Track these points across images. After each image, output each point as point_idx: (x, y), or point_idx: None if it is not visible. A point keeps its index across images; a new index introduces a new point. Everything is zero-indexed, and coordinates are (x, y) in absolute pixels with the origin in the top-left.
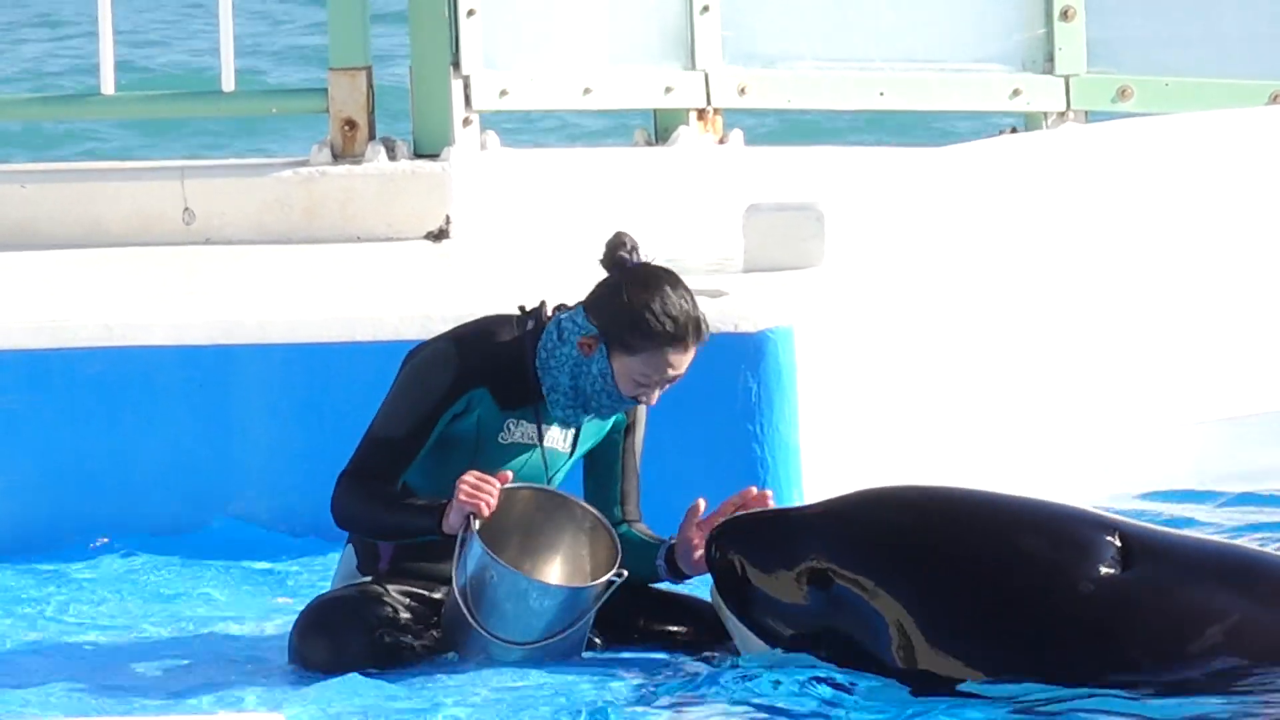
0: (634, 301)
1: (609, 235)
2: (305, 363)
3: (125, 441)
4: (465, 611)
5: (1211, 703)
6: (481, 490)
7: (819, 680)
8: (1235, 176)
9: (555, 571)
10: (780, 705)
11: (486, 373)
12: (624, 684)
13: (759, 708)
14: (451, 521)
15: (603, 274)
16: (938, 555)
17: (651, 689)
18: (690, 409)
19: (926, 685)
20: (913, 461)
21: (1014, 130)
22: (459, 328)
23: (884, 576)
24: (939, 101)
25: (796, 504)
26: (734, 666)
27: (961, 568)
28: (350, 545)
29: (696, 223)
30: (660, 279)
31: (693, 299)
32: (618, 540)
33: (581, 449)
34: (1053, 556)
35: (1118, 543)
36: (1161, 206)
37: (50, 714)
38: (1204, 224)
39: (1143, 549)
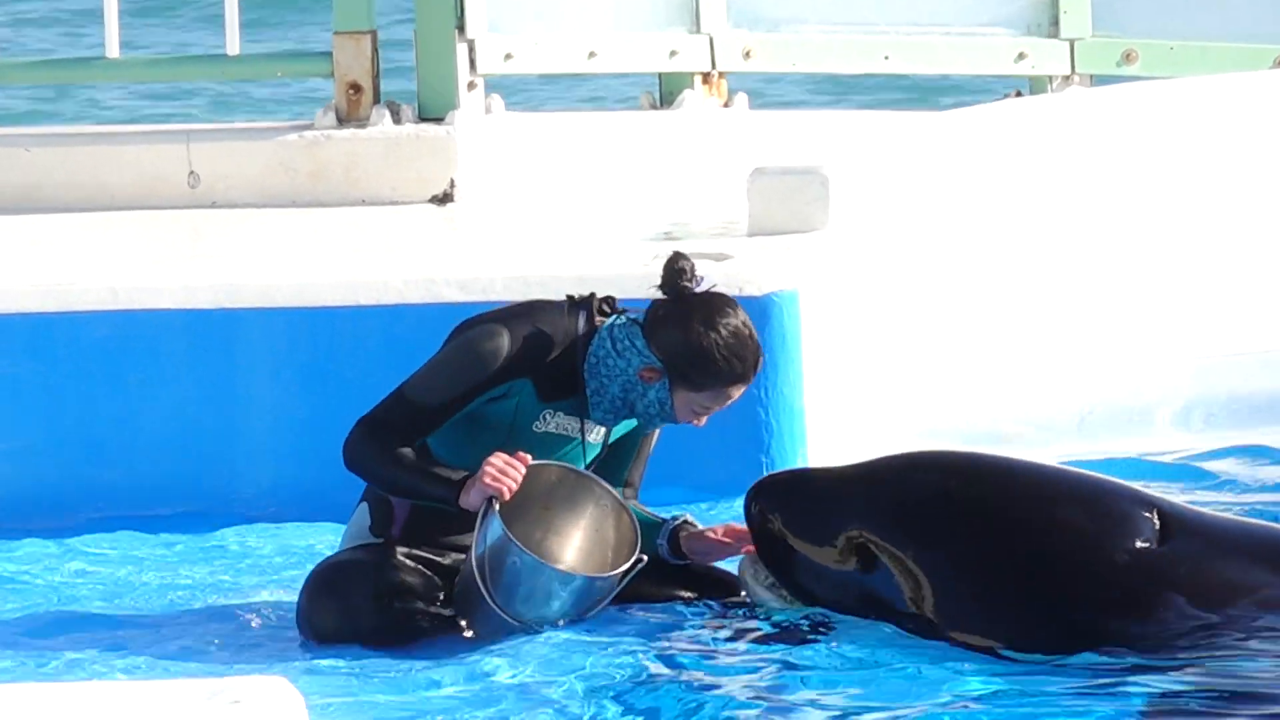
0: (703, 340)
1: (668, 256)
2: (310, 326)
3: (130, 405)
4: (482, 589)
5: (1244, 675)
6: (507, 474)
7: (837, 641)
8: (1240, 140)
9: (574, 548)
10: (798, 663)
11: (533, 365)
12: (633, 649)
13: (776, 668)
14: (471, 499)
15: (613, 243)
16: (977, 519)
17: (661, 651)
18: None
19: (957, 646)
20: (917, 424)
21: (1019, 94)
22: (512, 311)
23: (921, 538)
24: (944, 65)
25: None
26: (747, 629)
27: (1000, 532)
28: (365, 504)
29: (701, 186)
30: (726, 313)
31: (752, 328)
32: (637, 524)
33: (613, 439)
34: (1091, 526)
35: (1155, 519)
36: (1166, 170)
37: (54, 679)
38: (1208, 188)
39: (1180, 525)
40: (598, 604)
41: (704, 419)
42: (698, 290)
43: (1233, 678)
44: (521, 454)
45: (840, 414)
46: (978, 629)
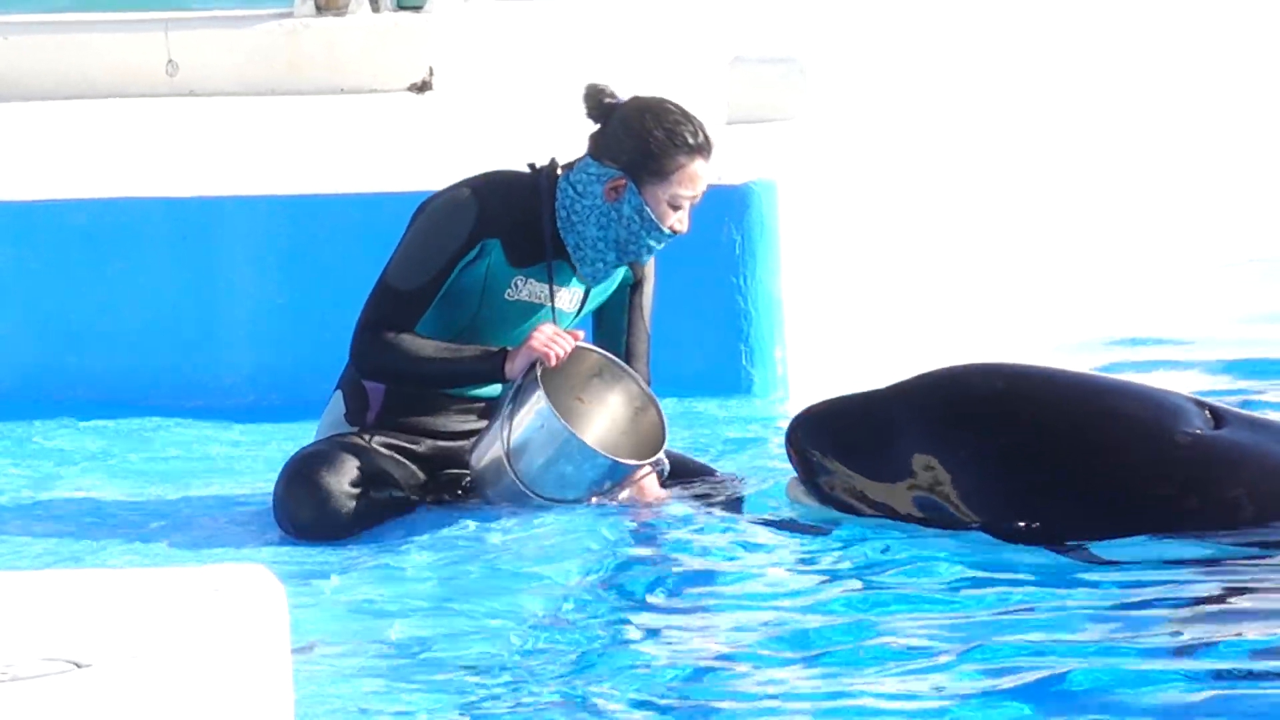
0: (649, 126)
1: (582, 90)
2: (289, 214)
3: (110, 292)
4: (503, 455)
5: None
6: (557, 342)
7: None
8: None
9: (592, 437)
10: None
11: (502, 224)
12: (618, 535)
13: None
14: (517, 366)
15: (589, 127)
16: (1036, 418)
17: (645, 535)
18: (674, 261)
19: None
20: (893, 312)
21: None
22: (472, 178)
23: (983, 445)
24: None
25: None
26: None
27: (1062, 427)
28: (339, 392)
29: (680, 73)
30: (658, 101)
31: (685, 108)
32: (666, 426)
33: (588, 308)
34: (1148, 415)
35: (1205, 411)
36: (1148, 45)
37: (30, 567)
38: (1208, 48)
39: (1230, 416)
40: (611, 490)
41: (685, 216)
42: (625, 99)
43: None
44: (575, 330)
45: (818, 303)
46: (1047, 523)
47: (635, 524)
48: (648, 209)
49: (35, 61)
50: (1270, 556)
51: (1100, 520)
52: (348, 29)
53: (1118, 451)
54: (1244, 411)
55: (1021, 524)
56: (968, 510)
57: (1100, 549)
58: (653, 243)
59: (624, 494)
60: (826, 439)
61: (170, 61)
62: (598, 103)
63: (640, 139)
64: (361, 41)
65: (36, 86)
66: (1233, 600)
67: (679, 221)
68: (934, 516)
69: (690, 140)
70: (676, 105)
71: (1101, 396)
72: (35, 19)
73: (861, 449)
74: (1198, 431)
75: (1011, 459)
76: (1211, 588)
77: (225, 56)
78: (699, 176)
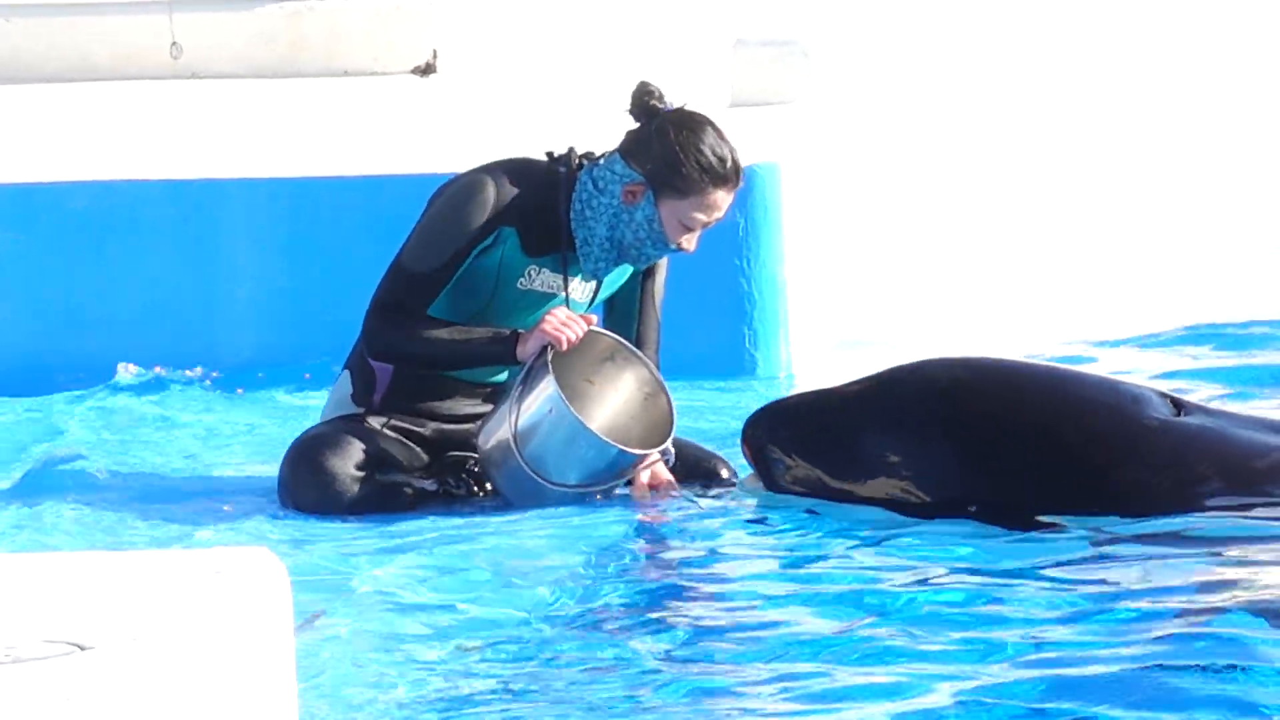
0: (682, 143)
1: (634, 86)
2: (291, 197)
3: (111, 275)
4: (510, 439)
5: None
6: (569, 326)
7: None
8: None
9: (599, 422)
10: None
11: (517, 212)
12: (620, 524)
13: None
14: (528, 349)
15: (593, 110)
16: (1004, 409)
17: (644, 528)
18: None
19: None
20: (896, 295)
21: None
22: (491, 164)
23: (956, 436)
24: None
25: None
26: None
27: (1027, 419)
28: (347, 371)
29: (683, 57)
30: (701, 120)
31: (727, 137)
32: (675, 414)
33: (600, 298)
34: (1116, 402)
35: (1167, 400)
36: (1142, 30)
37: (30, 548)
38: (1207, 44)
39: (1190, 405)
40: (619, 477)
41: (694, 239)
42: (672, 107)
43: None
44: (588, 315)
45: (821, 286)
46: (1014, 511)
47: (640, 514)
48: (658, 222)
49: (39, 44)
50: (1236, 532)
51: (1069, 506)
52: (350, 11)
53: (1086, 438)
54: (1199, 403)
55: (988, 513)
56: (933, 502)
57: (1068, 534)
58: (655, 253)
59: (630, 482)
60: (786, 435)
61: (174, 44)
62: (642, 102)
63: (670, 153)
64: (364, 24)
65: (40, 69)
66: (1200, 576)
67: (687, 241)
68: (900, 509)
69: (718, 169)
70: (717, 129)
71: (1067, 386)
72: (40, 1)
73: (823, 444)
74: (1163, 418)
75: (976, 450)
76: (1175, 566)
77: (228, 39)
78: (719, 206)
